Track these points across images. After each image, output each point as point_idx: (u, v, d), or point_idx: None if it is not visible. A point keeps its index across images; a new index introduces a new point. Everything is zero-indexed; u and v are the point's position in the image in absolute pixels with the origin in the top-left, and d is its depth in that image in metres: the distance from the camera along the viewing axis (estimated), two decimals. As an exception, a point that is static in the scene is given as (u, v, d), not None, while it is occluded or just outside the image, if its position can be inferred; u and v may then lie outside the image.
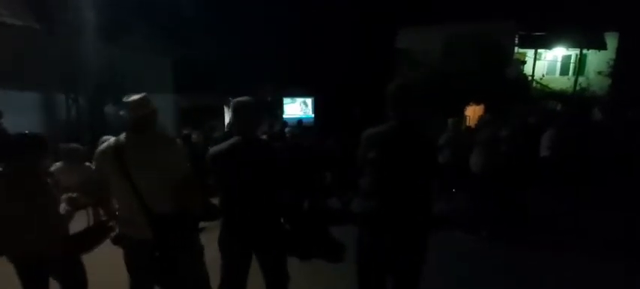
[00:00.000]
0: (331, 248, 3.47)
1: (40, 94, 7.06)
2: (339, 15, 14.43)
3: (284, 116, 15.70)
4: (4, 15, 6.31)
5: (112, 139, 1.68)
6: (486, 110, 11.61)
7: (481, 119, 3.89)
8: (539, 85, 14.10)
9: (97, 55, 7.81)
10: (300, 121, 8.76)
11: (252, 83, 15.15)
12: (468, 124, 11.07)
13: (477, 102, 11.91)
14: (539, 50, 14.80)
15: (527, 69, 14.63)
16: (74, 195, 1.84)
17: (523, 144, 3.78)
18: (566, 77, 14.60)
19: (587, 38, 13.33)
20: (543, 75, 14.48)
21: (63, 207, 1.75)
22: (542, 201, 4.43)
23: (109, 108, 8.83)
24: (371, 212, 1.68)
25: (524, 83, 12.23)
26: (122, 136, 1.67)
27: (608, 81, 12.96)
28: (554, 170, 4.82)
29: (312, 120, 15.70)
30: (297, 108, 16.02)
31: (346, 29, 14.31)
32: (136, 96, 1.63)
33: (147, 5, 9.59)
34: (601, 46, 13.70)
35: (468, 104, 11.82)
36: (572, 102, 10.86)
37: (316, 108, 15.81)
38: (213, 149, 1.76)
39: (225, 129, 9.73)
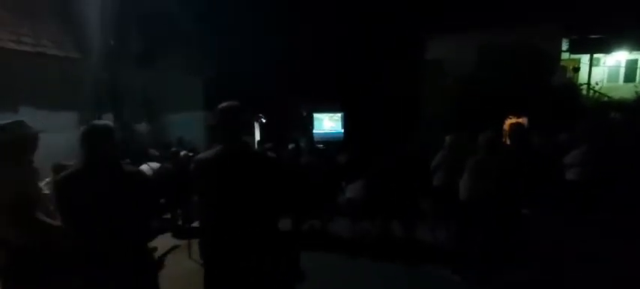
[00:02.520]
0: (288, 277, 3.25)
1: (77, 115, 7.85)
2: (365, 28, 14.25)
3: (314, 131, 15.77)
4: (47, 46, 7.13)
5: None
6: (529, 123, 10.54)
7: (481, 136, 3.38)
8: (596, 94, 12.46)
9: (129, 77, 8.53)
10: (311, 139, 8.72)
11: (282, 99, 15.50)
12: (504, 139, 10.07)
13: (517, 115, 10.84)
14: (596, 55, 13.14)
15: (583, 77, 13.05)
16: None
17: (522, 166, 3.21)
18: (632, 84, 12.74)
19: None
20: (597, 83, 12.76)
21: None
22: (551, 238, 3.72)
23: (140, 126, 9.55)
24: (209, 246, 1.61)
25: (572, 92, 10.88)
26: None
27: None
28: (580, 197, 4.08)
29: (341, 135, 15.55)
30: (328, 124, 16.00)
31: (373, 42, 14.07)
32: None
33: (178, 26, 10.32)
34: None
35: (505, 117, 10.80)
36: (631, 111, 9.36)
37: (345, 124, 15.61)
38: (63, 173, 1.72)
39: (256, 146, 9.96)
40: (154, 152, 5.29)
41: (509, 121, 11.33)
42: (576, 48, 12.78)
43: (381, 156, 4.61)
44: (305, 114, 16.37)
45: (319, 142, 14.85)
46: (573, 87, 11.74)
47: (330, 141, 14.54)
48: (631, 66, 13.05)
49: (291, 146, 6.91)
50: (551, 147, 5.07)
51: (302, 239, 4.44)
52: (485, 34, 11.20)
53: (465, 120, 9.64)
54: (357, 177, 4.46)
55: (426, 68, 13.03)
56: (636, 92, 11.04)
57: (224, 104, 1.70)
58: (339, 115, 15.67)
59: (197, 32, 10.80)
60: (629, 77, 13.03)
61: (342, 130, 15.62)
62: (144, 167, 4.92)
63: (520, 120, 10.82)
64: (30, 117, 6.26)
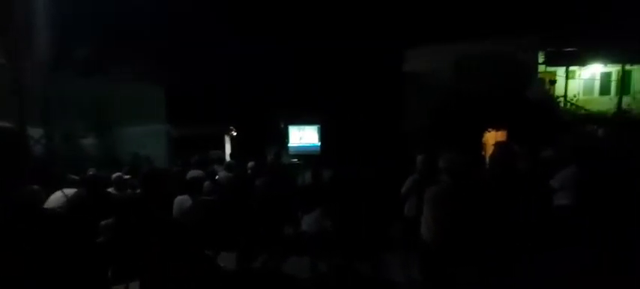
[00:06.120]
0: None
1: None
2: (342, 40, 13.80)
3: (290, 144, 15.06)
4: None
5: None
6: (508, 136, 10.21)
7: (442, 159, 2.65)
8: (574, 107, 12.37)
9: (70, 84, 7.58)
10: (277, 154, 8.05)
11: (256, 110, 14.75)
12: (483, 154, 9.66)
13: (496, 128, 10.50)
14: (572, 68, 13.12)
15: (559, 89, 12.99)
16: None
17: (502, 195, 2.58)
18: (607, 97, 12.76)
19: (627, 52, 11.57)
20: (575, 96, 12.72)
21: None
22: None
23: (88, 140, 8.53)
24: None
25: (551, 105, 10.67)
26: None
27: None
28: (577, 225, 3.50)
29: (318, 148, 14.94)
30: (305, 136, 15.35)
31: (349, 54, 13.61)
32: None
33: (136, 32, 9.45)
34: (645, 60, 11.84)
35: (484, 131, 10.44)
36: (610, 125, 9.13)
37: (322, 137, 15.00)
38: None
39: (227, 161, 9.12)
40: (73, 176, 4.40)
41: (488, 134, 11.01)
42: (553, 60, 12.69)
43: (341, 180, 3.93)
44: (282, 126, 15.70)
45: (295, 155, 14.19)
46: (552, 99, 11.57)
47: (306, 155, 13.89)
48: (606, 79, 13.07)
49: (250, 164, 6.15)
50: (535, 166, 4.52)
51: (249, 281, 3.65)
52: (464, 45, 10.91)
53: (443, 136, 9.19)
54: (317, 205, 3.75)
55: (404, 80, 12.64)
56: (616, 105, 10.95)
57: None
58: (315, 127, 15.05)
59: (159, 37, 9.96)
60: (604, 90, 13.04)
61: (319, 143, 15.00)
62: (57, 195, 4.01)
63: (499, 133, 10.52)
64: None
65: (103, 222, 3.12)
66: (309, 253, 3.54)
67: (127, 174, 5.02)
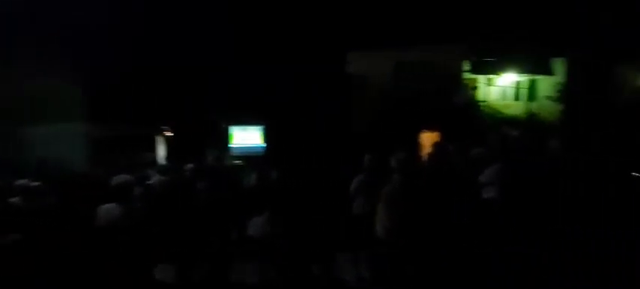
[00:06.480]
0: None
1: None
2: (286, 39, 13.71)
3: (233, 145, 14.48)
4: None
5: None
6: (441, 138, 11.10)
7: (394, 158, 2.79)
8: (492, 111, 13.97)
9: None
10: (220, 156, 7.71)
11: (191, 109, 13.89)
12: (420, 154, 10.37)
13: (431, 130, 11.36)
14: (492, 76, 14.80)
15: (481, 95, 14.56)
16: None
17: (443, 192, 2.76)
18: (519, 102, 14.65)
19: (534, 64, 13.53)
20: (496, 101, 14.45)
21: None
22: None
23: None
24: None
25: (475, 108, 11.91)
26: None
27: (556, 107, 13.06)
28: (502, 218, 3.88)
29: (262, 149, 14.61)
30: (248, 137, 14.88)
31: (294, 53, 13.58)
32: None
33: (51, 22, 8.26)
34: (548, 71, 13.89)
35: (419, 131, 11.21)
36: (521, 128, 10.53)
37: (267, 137, 14.70)
38: None
39: (160, 164, 8.43)
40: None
41: (424, 135, 11.86)
42: (476, 69, 14.21)
43: (288, 181, 3.83)
44: (224, 126, 15.02)
45: (238, 157, 13.66)
46: (476, 103, 12.88)
47: (249, 156, 13.47)
48: (518, 86, 14.99)
49: (189, 166, 5.72)
50: (467, 164, 4.93)
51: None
52: (402, 51, 11.62)
53: (387, 137, 9.63)
54: (263, 208, 3.59)
55: (349, 82, 13.00)
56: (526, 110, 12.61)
57: None
58: (259, 128, 14.69)
59: (76, 26, 8.80)
60: (517, 96, 14.94)
61: (264, 144, 14.67)
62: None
63: (433, 135, 11.38)
64: None
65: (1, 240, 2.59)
66: (257, 258, 3.38)
67: (35, 181, 4.30)
